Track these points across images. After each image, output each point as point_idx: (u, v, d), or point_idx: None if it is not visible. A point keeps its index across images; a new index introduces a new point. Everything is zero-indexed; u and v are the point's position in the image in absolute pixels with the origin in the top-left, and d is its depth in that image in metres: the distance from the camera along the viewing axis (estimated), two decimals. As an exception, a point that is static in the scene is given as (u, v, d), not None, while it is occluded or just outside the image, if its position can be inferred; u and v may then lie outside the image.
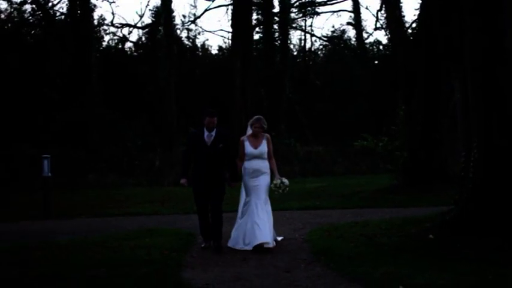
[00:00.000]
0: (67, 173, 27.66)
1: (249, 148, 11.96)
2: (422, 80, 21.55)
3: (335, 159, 34.77)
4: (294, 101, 39.94)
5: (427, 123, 21.45)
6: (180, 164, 31.02)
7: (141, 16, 45.52)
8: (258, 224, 11.45)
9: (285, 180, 12.05)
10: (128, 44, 44.96)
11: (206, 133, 11.86)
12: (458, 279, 8.60)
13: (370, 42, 46.69)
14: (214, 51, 48.99)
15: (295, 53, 46.37)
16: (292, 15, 43.84)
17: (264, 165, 11.97)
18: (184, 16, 53.86)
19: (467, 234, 11.04)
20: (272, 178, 12.12)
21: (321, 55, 48.41)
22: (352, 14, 44.60)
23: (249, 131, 12.14)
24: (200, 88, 40.56)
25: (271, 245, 11.46)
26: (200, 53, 46.23)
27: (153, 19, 41.11)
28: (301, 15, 45.09)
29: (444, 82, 20.92)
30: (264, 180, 11.91)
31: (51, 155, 18.92)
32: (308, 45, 48.73)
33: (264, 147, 11.98)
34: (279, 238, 12.36)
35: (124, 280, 9.00)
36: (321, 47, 48.59)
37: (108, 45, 43.21)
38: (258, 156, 11.95)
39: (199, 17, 52.71)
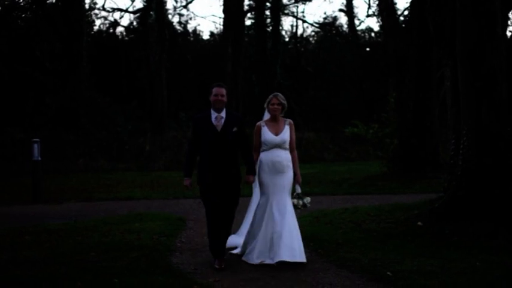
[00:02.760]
0: (57, 157, 27.63)
1: (268, 135, 9.59)
2: (414, 67, 21.63)
3: (326, 146, 34.81)
4: (285, 87, 39.94)
5: (418, 111, 21.52)
6: (170, 149, 31.26)
7: (133, 0, 45.30)
8: (282, 235, 9.16)
9: (307, 200, 9.83)
10: (119, 29, 44.88)
11: (214, 115, 9.32)
12: (446, 265, 8.66)
13: (362, 29, 46.82)
14: (205, 36, 48.95)
15: (286, 39, 46.36)
16: (284, 1, 43.89)
17: (286, 157, 9.61)
18: (176, 1, 53.89)
19: (456, 220, 11.12)
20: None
21: (313, 42, 48.39)
22: (344, 1, 44.87)
23: (266, 116, 9.85)
24: (191, 73, 40.54)
25: (303, 259, 9.14)
26: (192, 38, 46.14)
27: (145, 3, 40.98)
28: (293, 1, 45.07)
29: (435, 70, 21.01)
30: (288, 177, 9.57)
31: (41, 139, 18.89)
32: (300, 31, 48.78)
33: (286, 134, 9.62)
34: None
35: (113, 264, 9.01)
36: (313, 33, 48.63)
37: (100, 30, 43.11)
38: (280, 146, 9.58)
39: (191, 1, 52.60)
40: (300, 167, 9.83)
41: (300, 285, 8.06)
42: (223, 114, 9.29)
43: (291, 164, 9.63)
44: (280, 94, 9.80)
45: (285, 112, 9.75)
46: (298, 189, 9.75)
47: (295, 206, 9.57)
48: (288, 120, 9.78)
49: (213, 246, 9.28)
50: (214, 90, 9.33)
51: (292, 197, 9.64)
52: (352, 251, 9.81)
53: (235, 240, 10.22)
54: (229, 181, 9.25)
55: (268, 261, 9.13)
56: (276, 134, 9.57)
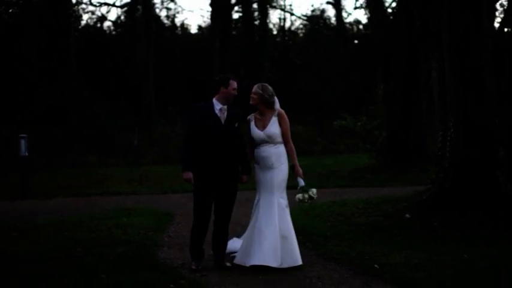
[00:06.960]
0: (45, 153, 27.49)
1: (254, 130, 8.85)
2: (401, 59, 21.70)
3: (314, 139, 34.72)
4: (273, 80, 39.87)
5: (406, 103, 21.58)
6: (158, 144, 31.16)
7: (120, -6, 45.13)
8: (257, 238, 8.50)
9: (313, 191, 8.81)
10: (107, 23, 44.64)
11: (219, 106, 8.68)
12: (434, 258, 8.69)
13: (349, 22, 46.74)
14: (193, 30, 48.74)
15: (274, 33, 46.23)
16: (272, -7, 43.66)
17: (276, 151, 8.77)
18: (163, -6, 53.54)
19: (444, 211, 11.17)
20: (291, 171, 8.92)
21: (301, 34, 48.28)
22: (332, -7, 44.50)
23: (277, 104, 9.12)
24: (179, 67, 40.39)
25: (274, 265, 8.38)
26: (179, 32, 45.96)
27: (132, -3, 40.80)
28: (280, -6, 44.93)
29: (422, 62, 21.03)
30: (277, 174, 8.74)
31: (29, 135, 18.84)
32: (288, 24, 48.61)
33: (272, 127, 8.79)
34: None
35: (100, 260, 8.98)
36: (301, 26, 48.51)
37: (87, 24, 42.87)
38: (267, 141, 8.76)
39: (178, -5, 52.50)
40: (288, 160, 9.38)
41: (288, 278, 8.05)
42: (225, 107, 8.69)
43: (282, 159, 8.78)
44: (264, 84, 9.01)
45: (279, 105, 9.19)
46: (301, 182, 8.80)
47: (301, 201, 8.77)
48: (277, 111, 8.88)
49: (194, 247, 8.67)
50: (234, 83, 8.71)
51: (297, 192, 8.78)
52: (340, 244, 9.85)
53: (238, 244, 9.11)
54: (228, 177, 8.63)
55: (244, 263, 8.54)
56: (263, 129, 8.77)
